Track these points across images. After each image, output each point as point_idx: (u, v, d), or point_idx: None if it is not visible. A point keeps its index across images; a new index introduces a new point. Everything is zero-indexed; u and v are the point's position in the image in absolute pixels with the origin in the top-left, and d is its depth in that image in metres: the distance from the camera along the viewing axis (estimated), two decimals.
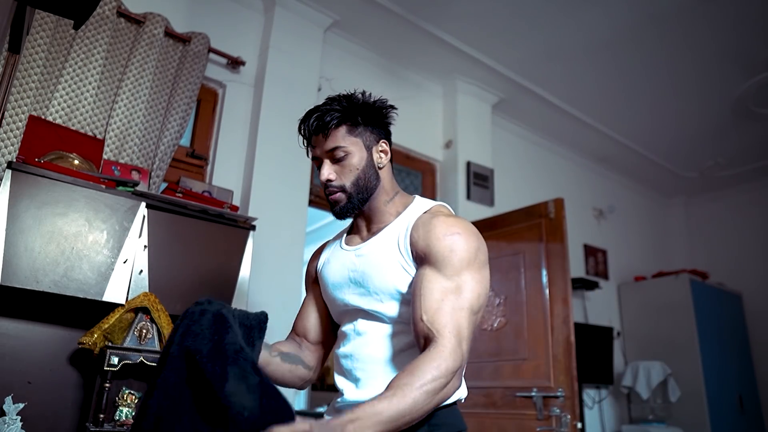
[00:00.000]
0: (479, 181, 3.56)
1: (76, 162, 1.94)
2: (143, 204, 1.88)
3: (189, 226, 1.99)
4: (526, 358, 2.64)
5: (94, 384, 1.71)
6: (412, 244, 1.11)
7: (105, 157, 2.11)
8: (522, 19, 3.10)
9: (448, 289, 1.02)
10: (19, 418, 1.60)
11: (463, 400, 1.12)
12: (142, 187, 2.01)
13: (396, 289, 1.11)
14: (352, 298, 1.18)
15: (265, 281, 2.46)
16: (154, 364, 1.75)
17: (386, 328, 1.14)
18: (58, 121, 2.05)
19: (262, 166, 2.61)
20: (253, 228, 2.16)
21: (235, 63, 2.71)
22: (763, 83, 3.56)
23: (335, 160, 1.16)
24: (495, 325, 2.83)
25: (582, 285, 4.03)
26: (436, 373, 0.93)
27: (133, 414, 1.80)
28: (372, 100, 1.20)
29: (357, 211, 1.20)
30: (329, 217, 4.50)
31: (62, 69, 2.10)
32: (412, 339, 1.07)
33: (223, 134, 2.67)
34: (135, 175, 2.11)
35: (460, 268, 1.04)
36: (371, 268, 1.15)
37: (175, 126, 2.34)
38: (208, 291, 1.99)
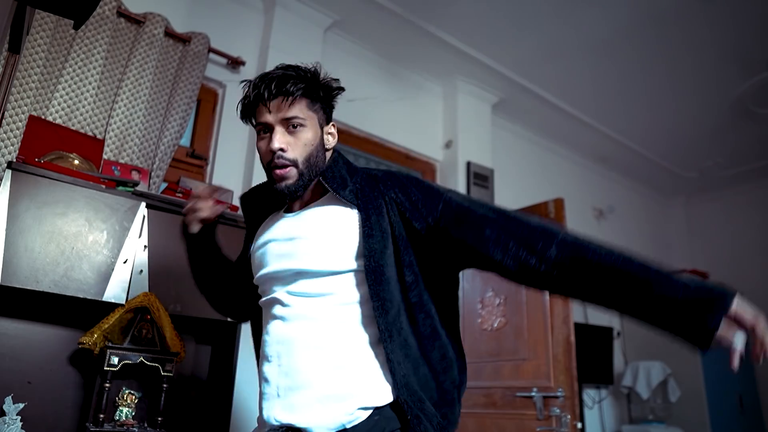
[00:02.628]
0: (479, 181, 3.56)
1: (76, 162, 1.94)
2: (143, 204, 1.88)
3: None
4: (526, 358, 2.64)
5: (94, 384, 1.71)
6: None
7: (105, 157, 2.11)
8: (522, 19, 3.10)
9: None
10: (19, 418, 1.60)
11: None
12: (142, 187, 2.00)
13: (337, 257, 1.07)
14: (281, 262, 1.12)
15: None
16: (155, 364, 1.75)
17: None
18: (58, 121, 2.05)
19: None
20: None
21: (235, 63, 2.71)
22: (762, 83, 3.56)
23: (290, 131, 1.09)
24: (495, 325, 2.83)
25: None
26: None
27: (132, 416, 1.80)
28: (326, 78, 1.15)
29: (302, 193, 1.12)
30: None
31: (62, 69, 2.10)
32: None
33: (223, 134, 2.67)
34: (135, 175, 2.11)
35: None
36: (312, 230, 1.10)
37: (175, 126, 2.34)
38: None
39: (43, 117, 2.02)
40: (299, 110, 1.09)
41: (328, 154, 1.18)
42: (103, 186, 1.82)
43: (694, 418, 3.99)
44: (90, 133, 2.12)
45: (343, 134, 3.08)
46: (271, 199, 1.25)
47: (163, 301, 1.82)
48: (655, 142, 4.46)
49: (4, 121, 1.88)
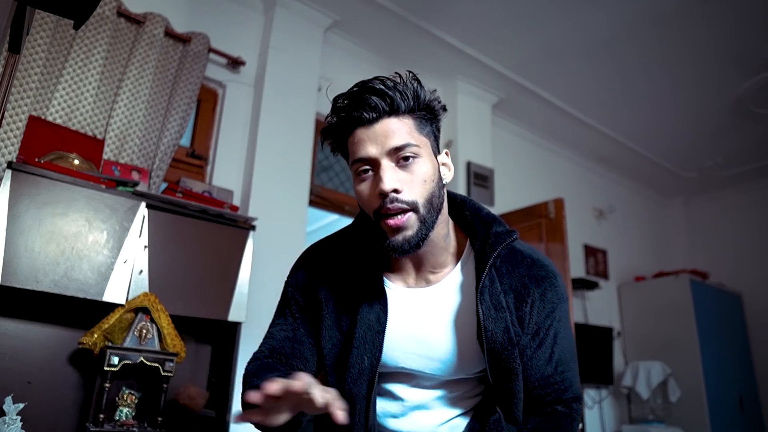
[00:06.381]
0: (479, 181, 3.56)
1: (76, 162, 1.94)
2: (143, 204, 1.88)
3: (189, 226, 1.99)
4: None
5: (94, 384, 1.71)
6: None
7: (105, 157, 2.11)
8: (522, 20, 3.10)
9: None
10: (19, 418, 1.60)
11: None
12: (142, 187, 2.01)
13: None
14: (409, 359, 0.89)
15: (265, 281, 2.45)
16: (155, 364, 1.75)
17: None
18: (58, 121, 2.05)
19: (262, 166, 2.61)
20: (253, 228, 2.17)
21: (235, 63, 2.71)
22: (762, 83, 3.56)
23: (401, 164, 0.81)
24: None
25: (582, 285, 4.03)
26: None
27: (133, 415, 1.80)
28: (427, 92, 0.89)
29: (423, 247, 0.84)
30: (329, 217, 4.44)
31: (62, 69, 2.10)
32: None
33: (223, 134, 2.67)
34: (135, 175, 2.11)
35: None
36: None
37: (175, 126, 2.34)
38: (208, 291, 1.99)
39: (43, 117, 2.02)
40: (408, 134, 0.83)
41: (444, 192, 0.90)
42: (103, 186, 1.82)
43: (694, 418, 3.99)
44: (90, 133, 2.12)
45: None
46: (346, 254, 0.96)
47: (163, 301, 1.82)
48: (655, 143, 4.46)
49: (4, 121, 1.88)
